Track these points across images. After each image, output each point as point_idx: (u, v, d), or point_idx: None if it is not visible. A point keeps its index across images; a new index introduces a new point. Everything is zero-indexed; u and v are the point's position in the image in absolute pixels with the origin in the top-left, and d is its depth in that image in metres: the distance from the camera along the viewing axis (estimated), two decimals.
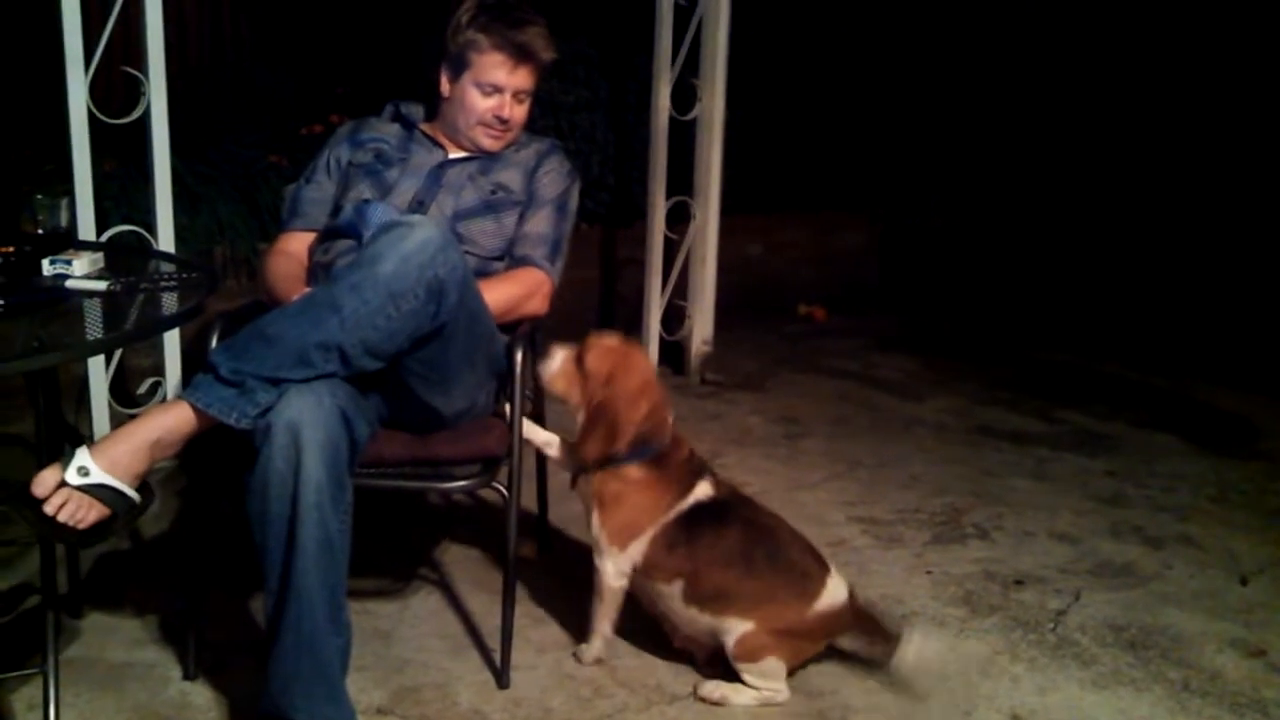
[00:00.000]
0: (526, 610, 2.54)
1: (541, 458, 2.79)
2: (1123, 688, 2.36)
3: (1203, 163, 5.78)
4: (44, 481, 1.83)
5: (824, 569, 2.25)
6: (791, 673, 2.27)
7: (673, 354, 4.37)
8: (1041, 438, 3.88)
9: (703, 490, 2.26)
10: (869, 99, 5.60)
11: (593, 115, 4.60)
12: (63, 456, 1.87)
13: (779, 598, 2.21)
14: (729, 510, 2.27)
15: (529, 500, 2.69)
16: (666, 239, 4.18)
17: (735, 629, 2.20)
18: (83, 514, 1.83)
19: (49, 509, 1.82)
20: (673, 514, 2.23)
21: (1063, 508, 3.27)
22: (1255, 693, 2.35)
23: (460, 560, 2.81)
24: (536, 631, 2.48)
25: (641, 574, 2.27)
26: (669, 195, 4.12)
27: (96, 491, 1.85)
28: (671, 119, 4.04)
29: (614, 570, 2.27)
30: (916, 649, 2.24)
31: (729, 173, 4.22)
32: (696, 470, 2.29)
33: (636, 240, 4.32)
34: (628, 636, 2.45)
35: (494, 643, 2.37)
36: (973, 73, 5.88)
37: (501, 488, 2.24)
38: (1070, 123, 5.96)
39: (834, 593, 2.24)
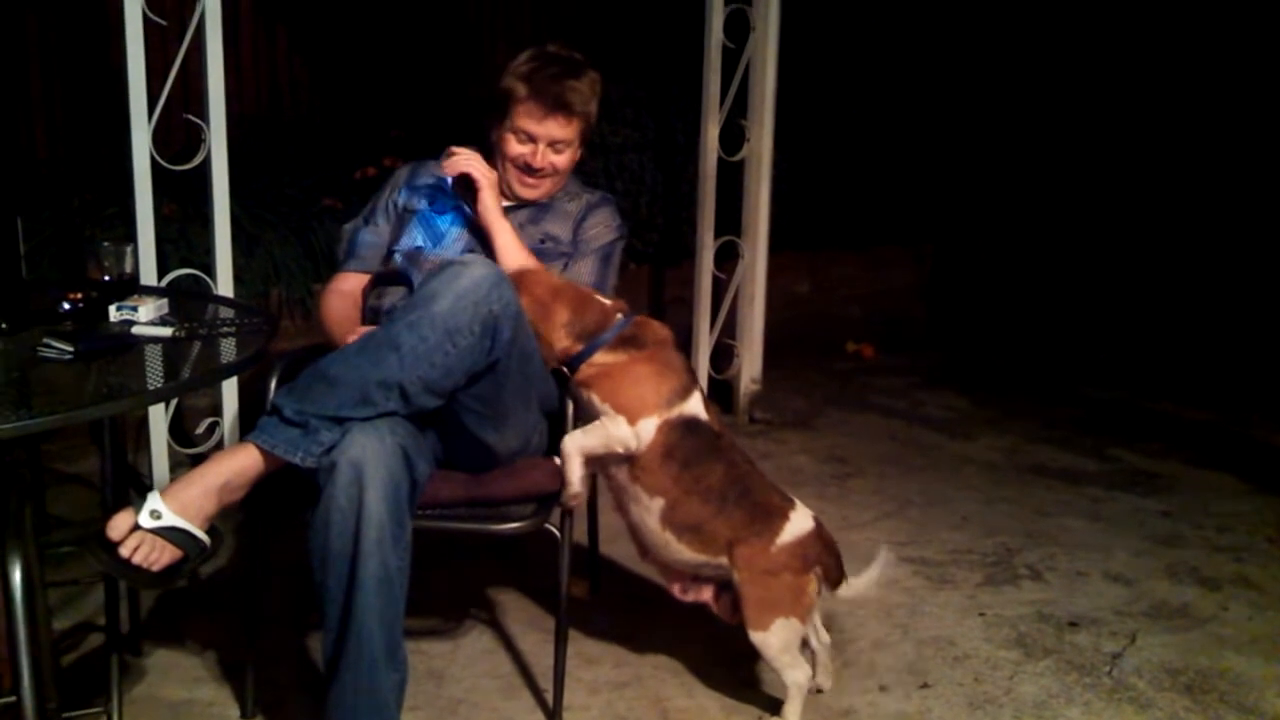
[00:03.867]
0: (578, 650, 2.55)
1: (593, 496, 2.81)
2: None
3: (1264, 200, 5.72)
4: (118, 525, 1.89)
5: (788, 503, 2.28)
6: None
7: (722, 393, 4.38)
8: (1094, 477, 3.84)
9: (696, 403, 2.23)
10: (915, 135, 5.60)
11: (641, 156, 4.63)
12: (133, 500, 1.92)
13: (746, 537, 2.22)
14: (719, 446, 2.24)
15: (580, 539, 2.70)
16: (715, 278, 4.20)
17: (718, 565, 2.24)
18: (156, 556, 1.88)
19: (124, 552, 1.87)
20: (675, 412, 2.19)
21: (1117, 548, 3.24)
22: None
23: (512, 600, 2.83)
24: (589, 671, 2.49)
25: (633, 470, 2.22)
26: (717, 235, 4.15)
27: (169, 534, 1.90)
28: (720, 159, 4.08)
29: (618, 435, 2.18)
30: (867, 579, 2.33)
31: (776, 210, 4.24)
32: (689, 369, 2.27)
33: (685, 280, 4.34)
34: (678, 676, 2.46)
35: (546, 683, 2.39)
36: (1020, 108, 5.87)
37: (554, 528, 2.26)
38: (1117, 160, 5.93)
39: (798, 524, 2.25)
